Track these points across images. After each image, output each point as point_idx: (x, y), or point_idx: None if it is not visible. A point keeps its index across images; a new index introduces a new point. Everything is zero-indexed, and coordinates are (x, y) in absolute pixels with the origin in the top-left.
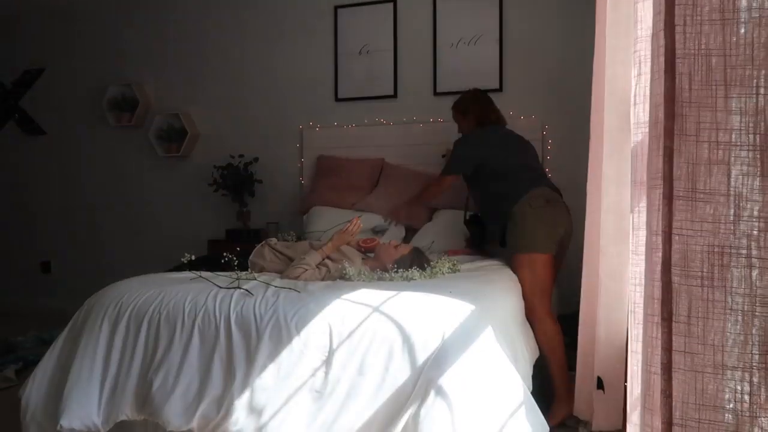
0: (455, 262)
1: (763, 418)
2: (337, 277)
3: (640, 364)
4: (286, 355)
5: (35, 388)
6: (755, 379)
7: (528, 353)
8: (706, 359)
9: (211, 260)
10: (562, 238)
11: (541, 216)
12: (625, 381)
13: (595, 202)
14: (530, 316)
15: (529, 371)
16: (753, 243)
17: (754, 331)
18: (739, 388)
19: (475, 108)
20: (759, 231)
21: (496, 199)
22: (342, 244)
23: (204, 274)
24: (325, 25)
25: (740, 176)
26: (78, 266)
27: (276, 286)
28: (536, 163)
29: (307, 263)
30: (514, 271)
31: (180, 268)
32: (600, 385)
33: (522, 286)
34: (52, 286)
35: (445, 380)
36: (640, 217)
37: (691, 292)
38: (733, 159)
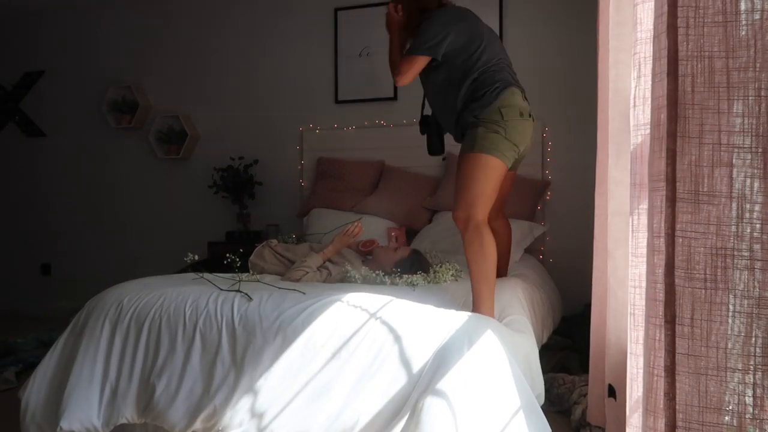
0: (458, 268)
1: (766, 421)
2: (338, 280)
3: (640, 366)
4: (290, 356)
5: (35, 390)
6: (758, 381)
7: (536, 360)
8: (709, 362)
9: (212, 262)
10: (520, 155)
11: (510, 130)
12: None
13: (602, 205)
14: (467, 222)
15: (538, 379)
16: (756, 245)
17: (757, 333)
18: (742, 390)
19: None
20: (762, 233)
21: (469, 93)
22: (343, 246)
23: (206, 275)
24: (325, 27)
25: (743, 178)
26: (78, 268)
27: (281, 288)
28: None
29: (308, 266)
30: (460, 169)
31: (184, 271)
32: (611, 392)
33: (467, 183)
34: (52, 288)
35: (447, 380)
36: (640, 219)
37: (694, 294)
38: (735, 161)
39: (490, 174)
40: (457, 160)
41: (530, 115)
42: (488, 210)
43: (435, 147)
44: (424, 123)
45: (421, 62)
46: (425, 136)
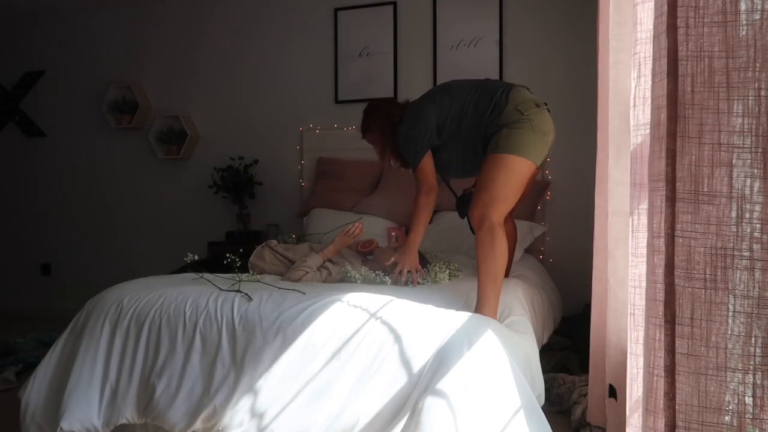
0: (456, 266)
1: (766, 421)
2: (338, 280)
3: (640, 366)
4: (290, 356)
5: (35, 390)
6: (758, 381)
7: (536, 359)
8: (709, 361)
9: (211, 262)
10: (550, 148)
11: (535, 121)
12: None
13: (602, 205)
14: (482, 221)
15: (538, 379)
16: (756, 245)
17: (757, 333)
18: (742, 390)
19: (378, 116)
20: (761, 233)
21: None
22: (343, 246)
23: (206, 275)
24: (325, 27)
25: (743, 178)
26: (78, 268)
27: (281, 288)
28: (496, 82)
29: (309, 266)
30: (483, 170)
31: (183, 269)
32: (612, 393)
33: (487, 184)
34: (52, 288)
35: (447, 380)
36: (640, 219)
37: (694, 294)
38: (735, 161)
39: (511, 176)
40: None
41: (545, 104)
42: (506, 212)
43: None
44: (461, 204)
45: (425, 165)
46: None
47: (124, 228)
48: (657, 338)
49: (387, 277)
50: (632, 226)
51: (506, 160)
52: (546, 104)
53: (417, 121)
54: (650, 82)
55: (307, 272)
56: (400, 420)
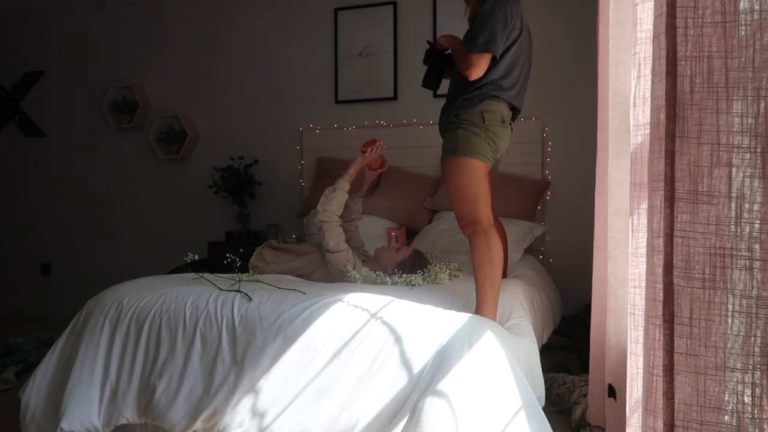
0: (456, 266)
1: (765, 420)
2: (338, 278)
3: (640, 366)
4: (290, 357)
5: (35, 390)
6: (757, 381)
7: (537, 360)
8: (708, 361)
9: (211, 262)
10: (496, 161)
11: (491, 134)
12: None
13: (602, 205)
14: (475, 225)
15: (539, 382)
16: (755, 245)
17: (756, 333)
18: (741, 390)
19: None
20: (761, 233)
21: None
22: (364, 165)
23: (206, 275)
24: (326, 27)
25: (742, 178)
26: (78, 268)
27: (281, 288)
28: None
29: (341, 188)
30: (450, 177)
31: (182, 269)
32: (612, 392)
33: (463, 192)
34: (52, 288)
35: (447, 380)
36: (640, 219)
37: (693, 294)
38: (734, 161)
39: (478, 176)
40: (441, 162)
41: (510, 125)
42: (489, 210)
43: (429, 81)
44: (428, 55)
45: (487, 60)
46: (426, 68)
47: (124, 228)
48: (656, 338)
49: (387, 277)
50: (632, 226)
51: (469, 164)
52: (511, 124)
53: (505, 22)
54: (650, 82)
55: (338, 197)
56: (401, 420)
